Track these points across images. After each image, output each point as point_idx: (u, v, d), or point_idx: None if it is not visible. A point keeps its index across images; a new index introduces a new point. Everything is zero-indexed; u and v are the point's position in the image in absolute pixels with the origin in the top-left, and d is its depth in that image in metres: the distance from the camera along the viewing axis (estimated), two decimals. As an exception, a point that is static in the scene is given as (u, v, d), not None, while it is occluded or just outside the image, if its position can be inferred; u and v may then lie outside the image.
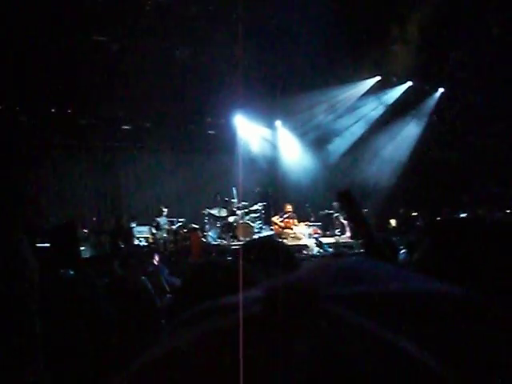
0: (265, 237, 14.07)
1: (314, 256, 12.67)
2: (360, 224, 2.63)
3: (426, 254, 1.19)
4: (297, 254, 13.52)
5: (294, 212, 16.74)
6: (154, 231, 16.00)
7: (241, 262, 1.72)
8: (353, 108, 20.40)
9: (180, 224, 16.40)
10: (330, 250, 14.19)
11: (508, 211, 15.83)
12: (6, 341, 0.93)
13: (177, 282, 5.78)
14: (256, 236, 16.21)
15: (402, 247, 5.23)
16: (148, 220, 16.82)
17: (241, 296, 0.49)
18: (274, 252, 2.17)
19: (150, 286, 3.41)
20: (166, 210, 16.28)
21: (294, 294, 0.43)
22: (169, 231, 15.91)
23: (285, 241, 15.86)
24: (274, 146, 20.86)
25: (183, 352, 0.44)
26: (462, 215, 14.82)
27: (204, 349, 0.42)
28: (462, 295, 0.50)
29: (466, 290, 0.50)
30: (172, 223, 16.42)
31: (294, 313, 0.42)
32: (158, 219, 16.04)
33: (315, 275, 0.51)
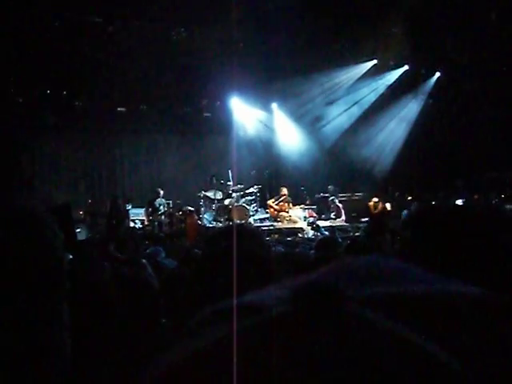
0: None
1: (309, 239, 12.67)
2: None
3: (407, 245, 1.17)
4: (292, 237, 13.57)
5: (289, 195, 16.75)
6: (149, 213, 15.96)
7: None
8: (349, 91, 20.35)
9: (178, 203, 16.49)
10: (327, 233, 14.19)
11: (503, 196, 15.89)
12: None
13: (172, 264, 5.78)
14: (251, 219, 16.28)
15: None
16: (143, 202, 16.83)
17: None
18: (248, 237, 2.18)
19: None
20: (162, 192, 16.23)
21: (321, 296, 0.43)
22: (165, 213, 15.89)
23: (280, 224, 15.93)
24: (269, 129, 20.82)
25: (211, 351, 0.44)
26: (458, 201, 14.89)
27: (232, 348, 0.43)
28: (487, 296, 0.50)
29: (491, 292, 0.50)
30: (169, 205, 16.43)
31: (320, 314, 0.42)
32: (154, 202, 15.97)
33: (339, 275, 0.51)
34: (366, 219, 15.26)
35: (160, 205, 15.90)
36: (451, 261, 1.05)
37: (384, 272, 0.52)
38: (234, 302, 0.48)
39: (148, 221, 15.92)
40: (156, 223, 15.60)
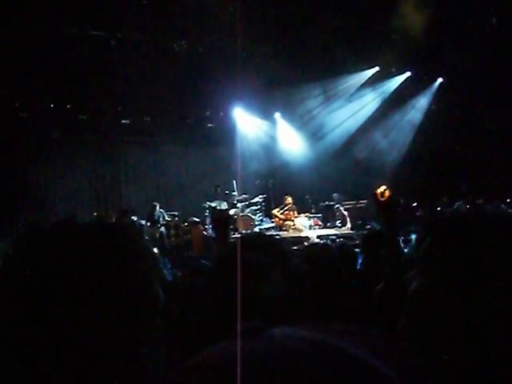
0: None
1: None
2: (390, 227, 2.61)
3: (428, 253, 1.17)
4: (298, 246, 13.53)
5: (294, 204, 16.73)
6: (149, 226, 15.91)
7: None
8: (352, 98, 20.39)
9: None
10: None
11: (508, 200, 15.85)
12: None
13: (177, 274, 5.80)
14: (256, 229, 16.27)
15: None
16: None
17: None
18: None
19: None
20: (158, 204, 16.22)
21: None
22: (167, 225, 15.86)
23: (285, 233, 15.90)
24: (273, 138, 20.85)
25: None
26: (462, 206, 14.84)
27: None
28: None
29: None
30: (175, 217, 16.45)
31: None
32: (153, 214, 15.96)
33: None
34: (371, 226, 15.23)
35: (159, 217, 15.92)
36: (473, 268, 1.04)
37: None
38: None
39: (148, 233, 15.88)
40: (157, 235, 15.59)
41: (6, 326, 0.87)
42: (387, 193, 2.82)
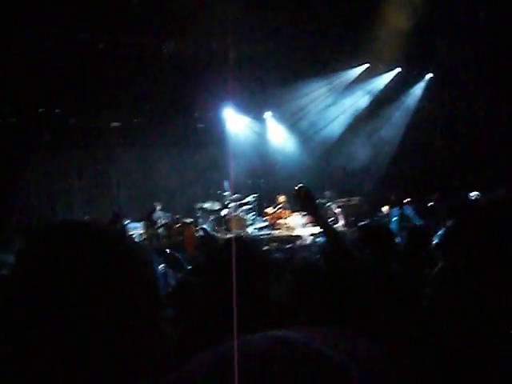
0: None
1: (308, 246, 12.65)
2: (314, 217, 2.73)
3: (451, 237, 1.20)
4: (291, 245, 13.52)
5: (286, 203, 16.75)
6: (147, 227, 15.94)
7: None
8: (342, 96, 20.39)
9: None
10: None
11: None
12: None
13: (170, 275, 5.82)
14: (249, 228, 16.28)
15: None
16: (141, 216, 16.81)
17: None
18: None
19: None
20: (158, 206, 16.25)
21: None
22: (163, 226, 15.88)
23: (279, 231, 15.94)
24: (264, 138, 20.85)
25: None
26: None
27: None
28: None
29: None
30: (171, 217, 16.46)
31: None
32: (152, 215, 15.99)
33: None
34: (364, 223, 15.23)
35: (158, 218, 15.93)
36: (495, 252, 1.07)
37: None
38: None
39: (146, 234, 15.91)
40: (154, 236, 15.60)
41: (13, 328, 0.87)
42: (303, 189, 2.87)
